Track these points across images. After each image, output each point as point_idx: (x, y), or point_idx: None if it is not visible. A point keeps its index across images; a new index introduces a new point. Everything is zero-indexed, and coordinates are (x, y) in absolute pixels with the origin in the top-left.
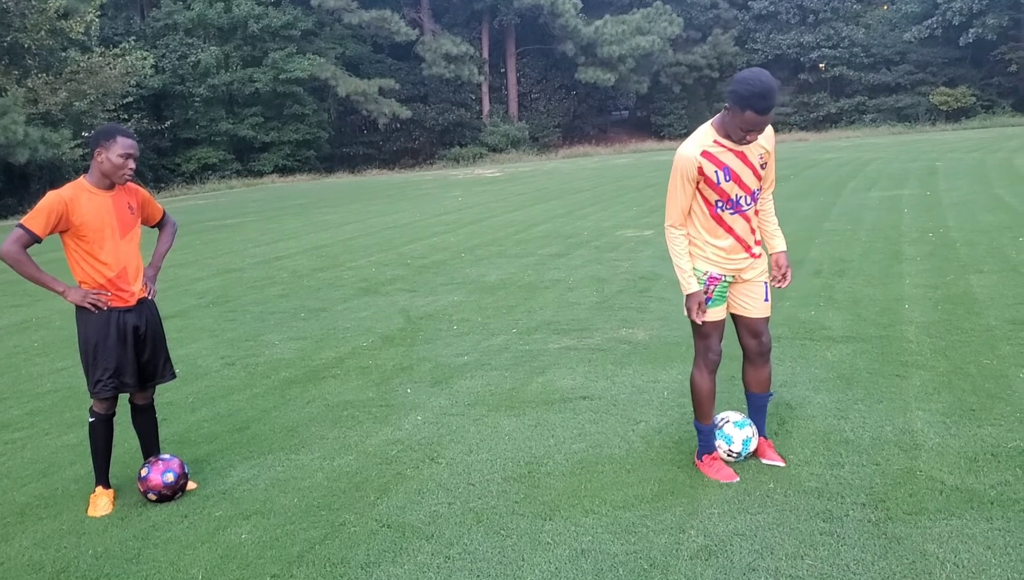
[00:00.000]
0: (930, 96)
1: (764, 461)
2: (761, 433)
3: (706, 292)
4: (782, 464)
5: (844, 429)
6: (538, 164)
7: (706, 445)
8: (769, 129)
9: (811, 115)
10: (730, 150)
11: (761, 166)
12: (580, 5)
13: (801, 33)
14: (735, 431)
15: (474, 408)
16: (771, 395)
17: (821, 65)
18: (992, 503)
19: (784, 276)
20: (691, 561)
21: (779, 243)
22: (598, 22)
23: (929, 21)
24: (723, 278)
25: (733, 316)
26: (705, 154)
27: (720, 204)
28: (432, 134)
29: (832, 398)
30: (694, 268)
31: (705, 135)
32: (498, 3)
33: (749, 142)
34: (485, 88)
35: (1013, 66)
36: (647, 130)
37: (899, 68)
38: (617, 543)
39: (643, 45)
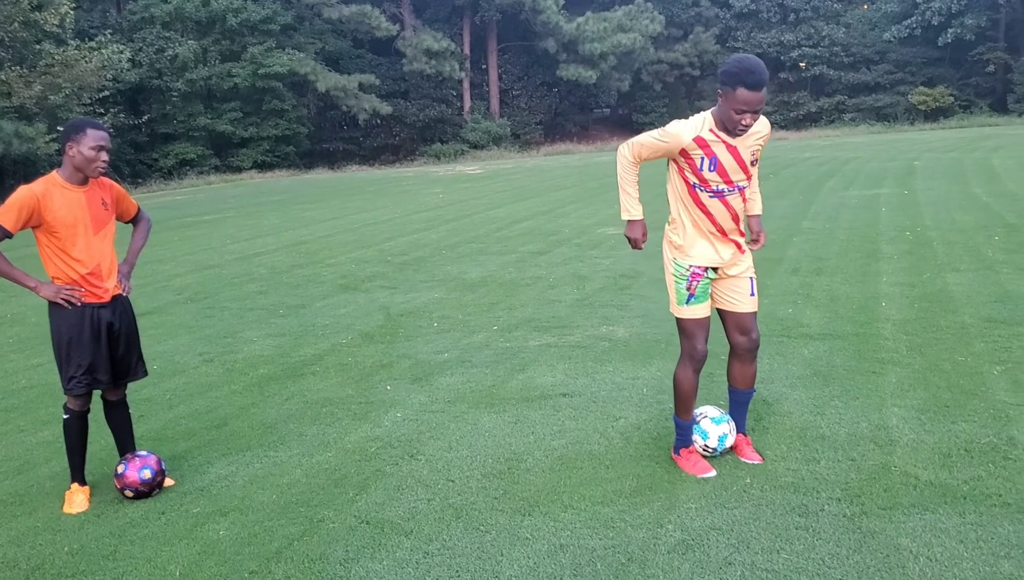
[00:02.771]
0: (909, 96)
1: (742, 459)
2: (740, 430)
3: (688, 288)
4: (759, 462)
5: (820, 425)
6: (519, 161)
7: (683, 440)
8: (765, 125)
9: (791, 114)
10: (723, 142)
11: (752, 163)
12: (562, 2)
13: (782, 32)
14: (712, 427)
15: (454, 405)
16: (754, 392)
17: (801, 64)
18: (965, 498)
19: (757, 239)
20: (668, 555)
21: (753, 207)
22: (580, 19)
23: (908, 21)
24: (705, 273)
25: (720, 312)
26: (697, 140)
27: (699, 187)
28: (413, 130)
29: (809, 394)
30: (675, 262)
31: (703, 122)
32: None
33: (745, 128)
34: (466, 84)
35: (991, 67)
36: (629, 128)
37: (878, 67)
38: (595, 538)
39: (625, 43)
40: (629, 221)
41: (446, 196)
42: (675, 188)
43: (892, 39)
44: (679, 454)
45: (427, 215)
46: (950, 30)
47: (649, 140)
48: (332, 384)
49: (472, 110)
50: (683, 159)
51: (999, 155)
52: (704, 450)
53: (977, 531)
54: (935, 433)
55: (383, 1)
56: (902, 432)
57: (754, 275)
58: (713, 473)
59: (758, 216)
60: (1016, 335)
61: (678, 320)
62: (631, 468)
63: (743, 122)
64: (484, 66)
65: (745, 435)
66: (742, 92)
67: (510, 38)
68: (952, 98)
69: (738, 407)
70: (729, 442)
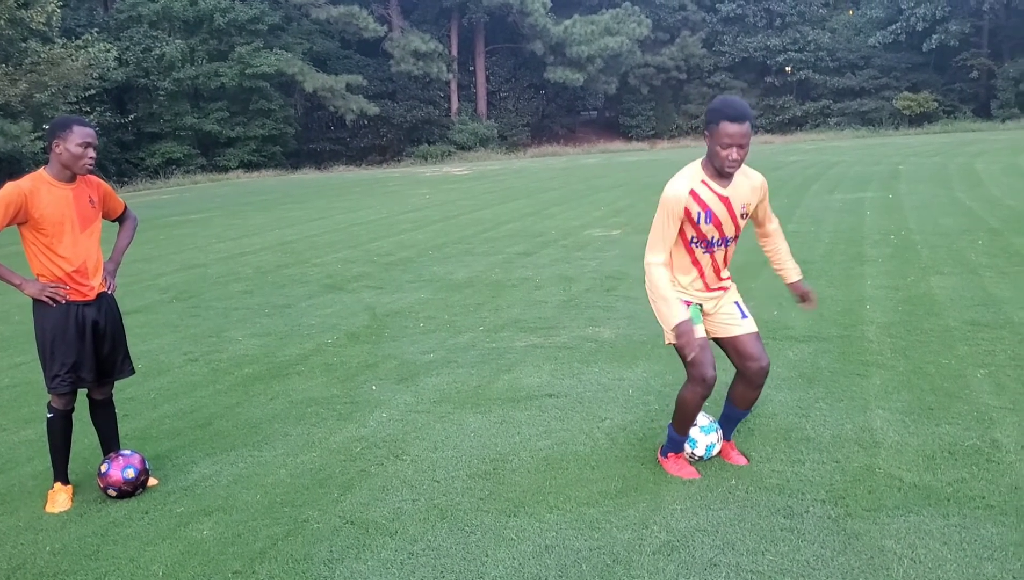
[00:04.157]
0: (893, 101)
1: (728, 461)
2: (726, 438)
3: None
4: (745, 464)
5: (805, 427)
6: (506, 163)
7: (675, 448)
8: (762, 182)
9: (776, 118)
10: (716, 194)
11: (742, 216)
12: (549, 5)
13: (768, 36)
14: (700, 436)
15: (440, 405)
16: (748, 414)
17: (787, 68)
18: (949, 500)
19: (808, 300)
20: (653, 556)
21: (792, 272)
22: (567, 22)
23: (893, 27)
24: (692, 303)
25: (720, 344)
26: (692, 193)
27: (695, 241)
28: (400, 131)
29: (794, 396)
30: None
31: (694, 174)
32: (467, 1)
33: (733, 163)
34: (454, 86)
35: (974, 72)
36: (615, 131)
37: (863, 72)
38: (581, 539)
39: (612, 46)
40: (676, 326)
41: (433, 197)
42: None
43: (877, 44)
44: (667, 458)
45: (414, 216)
46: (934, 36)
47: (656, 226)
48: (317, 384)
49: (459, 111)
50: (686, 220)
51: (983, 160)
52: (691, 457)
53: (961, 533)
54: (919, 435)
55: (371, 2)
56: (886, 434)
57: (739, 299)
58: (698, 477)
59: (800, 281)
60: (999, 338)
61: (677, 347)
62: (616, 469)
63: (730, 157)
64: (472, 68)
65: (730, 442)
66: (725, 125)
67: (498, 40)
68: (936, 103)
69: (730, 422)
70: (716, 451)
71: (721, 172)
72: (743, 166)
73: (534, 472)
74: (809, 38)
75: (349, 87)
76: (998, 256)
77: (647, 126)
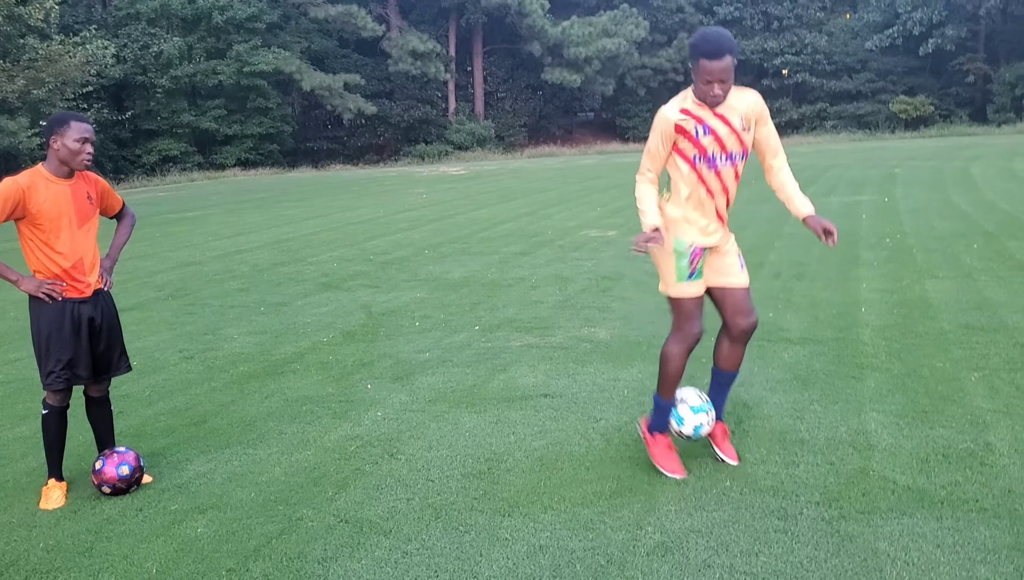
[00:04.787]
0: (890, 104)
1: (717, 452)
2: (719, 416)
3: (691, 264)
4: (735, 462)
5: (800, 429)
6: (503, 163)
7: (660, 422)
8: (755, 97)
9: (773, 120)
10: (709, 110)
11: (744, 129)
12: (547, 6)
13: (765, 39)
14: (689, 415)
15: (435, 405)
16: (737, 375)
17: (784, 71)
18: (942, 503)
19: (828, 235)
20: (648, 557)
21: (802, 205)
22: (565, 23)
23: (890, 31)
24: (704, 251)
25: (713, 294)
26: (684, 111)
27: (698, 158)
28: (397, 131)
29: (788, 398)
30: (676, 239)
31: (685, 96)
32: (465, 1)
33: (715, 98)
34: (451, 86)
35: (971, 77)
36: (612, 132)
37: (860, 76)
38: (575, 539)
39: (609, 47)
40: (648, 227)
41: (429, 196)
42: (677, 170)
43: (874, 48)
44: (653, 437)
45: (410, 215)
46: (931, 40)
47: (648, 146)
48: (312, 382)
49: (457, 112)
50: (680, 136)
51: (978, 164)
52: (678, 435)
53: (954, 536)
54: (913, 438)
55: (369, 1)
56: (880, 437)
57: (739, 253)
58: (681, 476)
59: (812, 214)
60: (993, 342)
61: (674, 300)
62: (611, 470)
63: (712, 92)
64: (469, 68)
65: (723, 423)
66: (704, 63)
67: (495, 41)
68: (932, 107)
69: (721, 389)
70: (705, 431)
71: (708, 104)
72: (734, 88)
73: (528, 472)
74: (806, 41)
75: (347, 86)
76: (993, 260)
77: (644, 128)
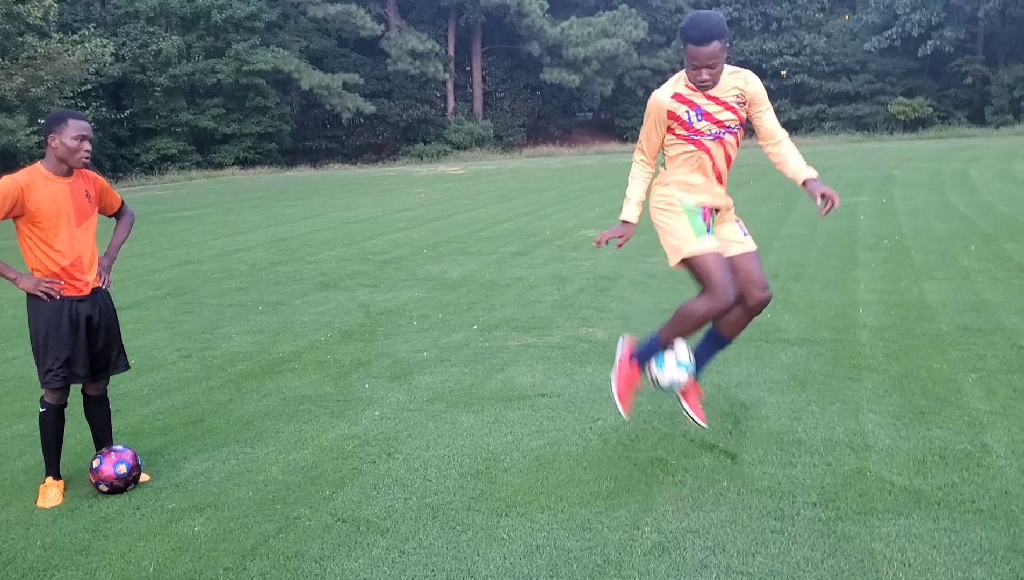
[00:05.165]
0: (888, 106)
1: (686, 409)
2: (697, 377)
3: (704, 219)
4: (703, 424)
5: (797, 430)
6: (502, 163)
7: (645, 356)
8: (751, 78)
9: None
10: (701, 93)
11: (739, 103)
12: (546, 6)
13: (764, 40)
14: (672, 366)
15: (432, 404)
16: (731, 343)
17: (783, 72)
18: (939, 504)
19: (825, 200)
20: (644, 557)
21: (800, 170)
22: (564, 23)
23: (889, 32)
24: (712, 212)
25: (735, 264)
26: (676, 96)
27: (696, 136)
28: (396, 130)
29: (786, 399)
30: (682, 202)
31: (678, 80)
32: (464, 1)
33: (704, 83)
34: (450, 86)
35: (969, 79)
36: (611, 132)
37: (859, 77)
38: (572, 539)
39: (608, 48)
40: (622, 221)
41: (428, 196)
42: (674, 147)
43: (872, 49)
44: (630, 362)
45: (409, 214)
46: (929, 42)
47: (643, 130)
48: (310, 381)
49: (456, 111)
50: (674, 122)
51: (976, 166)
52: (652, 381)
53: (950, 537)
54: (910, 439)
55: (368, 1)
56: (878, 438)
57: (740, 220)
58: (625, 414)
59: (815, 178)
60: (991, 344)
61: (696, 261)
62: (608, 470)
63: (700, 77)
64: (468, 68)
65: (697, 383)
66: (691, 48)
67: (495, 41)
68: (931, 109)
69: (711, 350)
70: (678, 389)
71: (699, 87)
72: (728, 67)
73: (526, 472)
74: (805, 42)
75: (346, 85)
76: (991, 261)
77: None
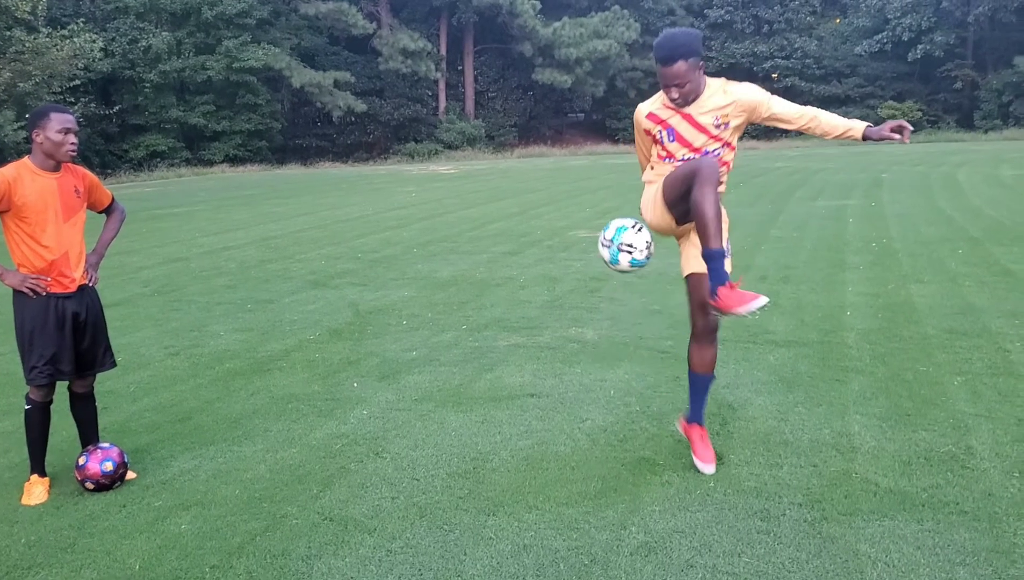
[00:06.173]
0: (878, 109)
1: (695, 460)
2: (698, 420)
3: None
4: (710, 469)
5: (784, 431)
6: (493, 162)
7: (718, 272)
8: (740, 91)
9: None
10: (676, 112)
11: (718, 126)
12: (539, 6)
13: (755, 43)
14: (615, 229)
15: (421, 403)
16: (713, 378)
17: (774, 75)
18: (924, 505)
19: (900, 132)
20: (631, 557)
21: (855, 128)
22: (556, 24)
23: (879, 36)
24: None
25: (689, 283)
26: (650, 116)
27: (669, 159)
28: (387, 129)
29: (773, 400)
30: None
31: (656, 97)
32: (457, 0)
33: (676, 100)
34: (442, 85)
35: (958, 83)
36: (602, 133)
37: (849, 81)
38: (559, 539)
39: (600, 49)
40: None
41: (419, 195)
42: (656, 166)
43: (863, 53)
44: (718, 292)
45: (399, 213)
46: (920, 46)
47: (636, 143)
48: (299, 380)
49: (447, 110)
50: (649, 138)
51: (964, 170)
52: (601, 240)
53: (934, 538)
54: (896, 441)
55: None
56: (864, 439)
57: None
58: (763, 300)
59: (868, 125)
60: (976, 347)
61: (668, 179)
62: (596, 470)
63: (670, 95)
64: (460, 67)
65: (702, 426)
66: (659, 67)
67: (487, 40)
68: (920, 113)
69: (696, 393)
70: (625, 237)
71: (675, 104)
72: (720, 83)
73: (514, 472)
74: (796, 45)
75: (337, 83)
76: (978, 265)
77: (634, 130)
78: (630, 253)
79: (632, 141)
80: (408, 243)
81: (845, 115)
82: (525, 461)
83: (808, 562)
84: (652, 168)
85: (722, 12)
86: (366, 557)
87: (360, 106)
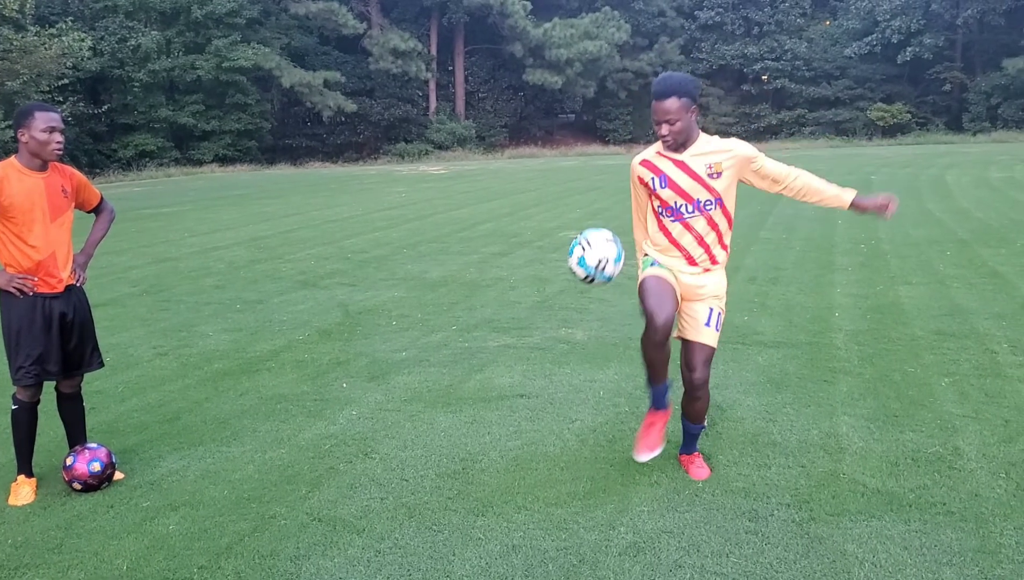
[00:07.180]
0: (868, 111)
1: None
2: (689, 452)
3: (653, 263)
4: (705, 477)
5: (772, 432)
6: (484, 163)
7: (653, 402)
8: (733, 145)
9: (752, 126)
10: (669, 159)
11: (711, 175)
12: (529, 7)
13: (745, 44)
14: (593, 229)
15: (410, 404)
16: (703, 427)
17: (764, 77)
18: (911, 506)
19: (884, 206)
20: (620, 557)
21: (842, 195)
22: (547, 24)
23: (869, 38)
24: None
25: (682, 344)
26: (644, 163)
27: (661, 210)
28: (377, 129)
29: (762, 401)
30: (646, 254)
31: (653, 146)
32: (447, 1)
33: (664, 139)
34: (432, 85)
35: (947, 85)
36: (593, 134)
37: (839, 83)
38: (548, 539)
39: (591, 49)
40: None
41: (409, 195)
42: (651, 224)
43: (853, 55)
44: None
45: (389, 214)
46: (909, 48)
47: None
48: (287, 380)
49: (437, 111)
50: (643, 187)
51: (953, 172)
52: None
53: (921, 538)
54: (883, 442)
55: None
56: (851, 440)
57: (717, 307)
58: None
59: (858, 199)
60: (964, 348)
61: (639, 288)
62: (585, 470)
63: (660, 132)
64: (451, 68)
65: (690, 455)
66: (653, 102)
67: (477, 41)
68: (909, 115)
69: (686, 436)
70: (592, 236)
71: (668, 148)
72: (715, 137)
73: (503, 472)
74: (786, 47)
75: (327, 83)
76: (966, 267)
77: (624, 130)
78: (583, 252)
79: (623, 142)
80: (398, 243)
81: (834, 117)
82: (514, 461)
83: (796, 562)
84: (647, 240)
85: (712, 14)
86: (355, 557)
87: (350, 106)
